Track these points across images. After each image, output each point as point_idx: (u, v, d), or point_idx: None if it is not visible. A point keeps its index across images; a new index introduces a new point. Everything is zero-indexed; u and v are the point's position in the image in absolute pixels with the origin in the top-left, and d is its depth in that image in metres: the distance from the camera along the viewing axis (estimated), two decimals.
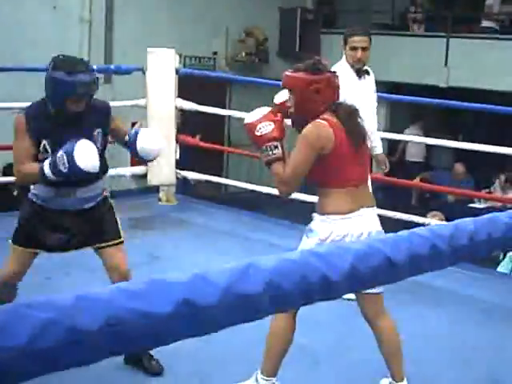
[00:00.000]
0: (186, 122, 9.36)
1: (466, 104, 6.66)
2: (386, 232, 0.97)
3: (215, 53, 13.09)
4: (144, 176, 7.36)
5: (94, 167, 3.39)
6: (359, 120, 3.37)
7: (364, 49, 4.69)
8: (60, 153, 3.35)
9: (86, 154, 3.34)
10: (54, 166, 3.37)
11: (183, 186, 8.34)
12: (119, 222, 3.77)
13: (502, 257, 6.92)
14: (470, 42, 12.42)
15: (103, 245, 3.69)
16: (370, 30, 5.08)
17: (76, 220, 3.65)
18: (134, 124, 6.18)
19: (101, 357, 0.75)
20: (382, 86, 13.51)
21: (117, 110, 5.18)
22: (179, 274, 0.73)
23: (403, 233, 0.94)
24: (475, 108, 6.81)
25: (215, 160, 12.51)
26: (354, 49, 4.67)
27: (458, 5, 14.37)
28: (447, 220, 6.95)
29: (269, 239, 6.23)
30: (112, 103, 4.04)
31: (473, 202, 10.45)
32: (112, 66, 8.61)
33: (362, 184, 3.43)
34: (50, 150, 3.49)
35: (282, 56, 13.78)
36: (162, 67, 6.96)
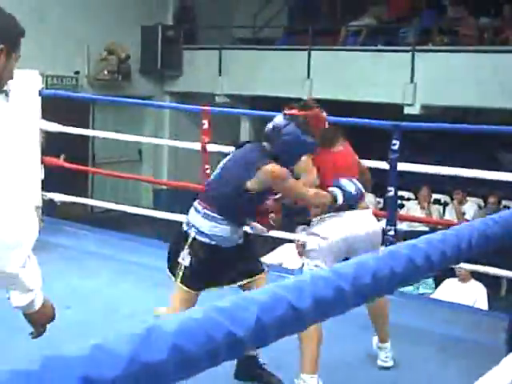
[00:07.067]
0: (50, 143, 9.11)
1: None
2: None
3: (77, 72, 12.81)
4: None
5: None
6: None
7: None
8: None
9: None
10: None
11: (48, 208, 8.09)
12: None
13: None
14: (332, 53, 12.65)
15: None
16: (232, 45, 4.87)
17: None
18: None
19: None
20: (245, 101, 13.57)
21: None
22: (76, 347, 0.66)
23: (305, 275, 0.88)
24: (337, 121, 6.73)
25: (80, 180, 12.26)
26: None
27: (318, 17, 14.62)
28: None
29: (138, 259, 6.13)
30: None
31: None
32: None
33: None
34: None
35: (144, 73, 13.67)
36: (26, 89, 6.64)
